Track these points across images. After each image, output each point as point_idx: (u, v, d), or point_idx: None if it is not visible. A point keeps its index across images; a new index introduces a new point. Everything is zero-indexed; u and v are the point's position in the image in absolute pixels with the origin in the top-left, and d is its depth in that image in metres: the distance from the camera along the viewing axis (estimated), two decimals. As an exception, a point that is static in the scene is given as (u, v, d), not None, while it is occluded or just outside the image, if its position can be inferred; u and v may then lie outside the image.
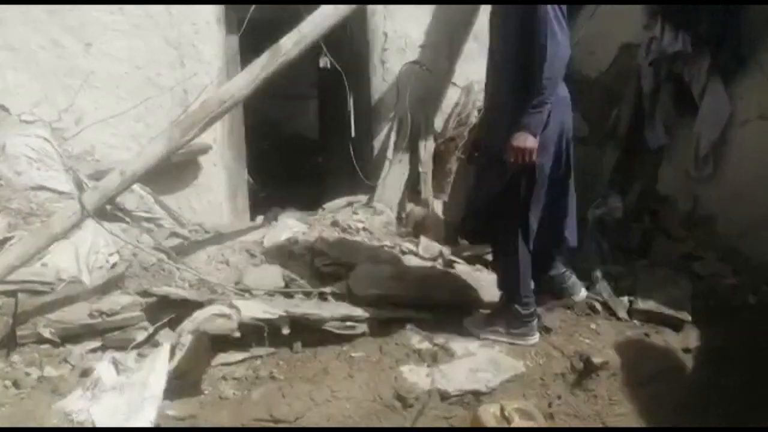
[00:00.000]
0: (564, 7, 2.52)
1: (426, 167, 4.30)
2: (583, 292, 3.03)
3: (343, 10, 2.94)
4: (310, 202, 4.57)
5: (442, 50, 4.52)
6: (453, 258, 3.48)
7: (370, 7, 4.40)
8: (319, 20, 2.88)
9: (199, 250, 3.43)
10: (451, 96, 4.60)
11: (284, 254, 3.35)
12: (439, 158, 4.53)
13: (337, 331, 2.72)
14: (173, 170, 3.93)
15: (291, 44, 2.82)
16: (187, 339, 2.41)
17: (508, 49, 2.62)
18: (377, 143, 4.61)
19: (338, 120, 4.81)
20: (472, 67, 4.40)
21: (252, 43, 3.95)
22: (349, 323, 2.73)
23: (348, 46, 4.62)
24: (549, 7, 2.44)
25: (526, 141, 2.49)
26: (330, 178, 5.42)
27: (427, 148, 4.38)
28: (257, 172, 7.38)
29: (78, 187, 3.70)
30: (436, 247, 3.57)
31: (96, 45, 3.92)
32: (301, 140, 7.74)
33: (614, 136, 4.45)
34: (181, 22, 3.99)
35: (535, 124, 2.51)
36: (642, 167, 4.38)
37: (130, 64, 3.98)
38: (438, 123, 4.62)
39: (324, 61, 4.24)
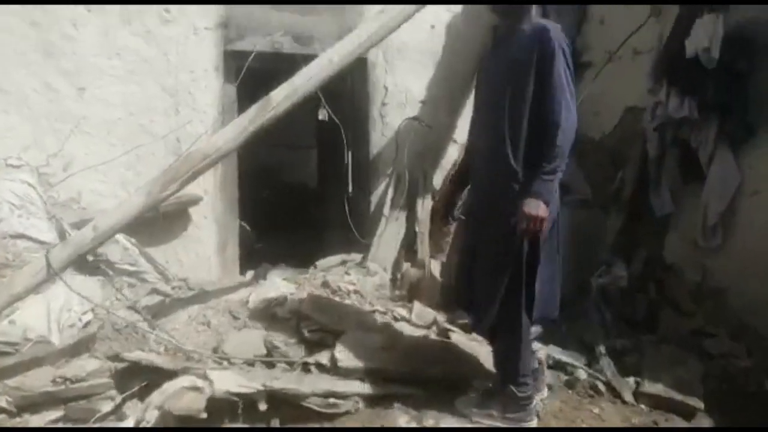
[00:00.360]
0: (571, 64, 2.42)
1: (423, 226, 4.15)
2: (545, 392, 2.82)
3: (337, 62, 2.84)
4: (305, 255, 4.41)
5: (443, 105, 4.44)
6: (448, 326, 3.28)
7: (371, 60, 4.34)
8: (313, 72, 2.78)
9: (180, 310, 3.25)
10: (451, 152, 4.50)
11: (269, 317, 3.16)
12: (437, 217, 4.38)
13: (318, 409, 2.50)
14: (161, 221, 3.80)
15: (281, 97, 2.71)
16: (152, 415, 2.21)
17: (515, 110, 2.45)
18: (375, 198, 4.48)
19: (337, 172, 4.71)
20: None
21: (251, 92, 3.87)
22: (331, 400, 2.52)
23: (348, 98, 4.54)
24: (562, 67, 2.35)
25: (539, 209, 2.35)
26: (327, 230, 5.28)
27: (424, 206, 4.24)
28: (255, 221, 7.32)
29: (60, 236, 3.55)
30: (430, 313, 3.38)
31: (90, 90, 3.83)
32: (301, 190, 7.66)
33: (618, 199, 4.31)
34: (178, 69, 3.92)
35: (548, 191, 2.37)
36: (647, 234, 4.22)
37: (124, 110, 3.89)
38: (437, 180, 4.50)
39: (322, 114, 4.14)
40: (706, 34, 3.48)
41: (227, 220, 4.25)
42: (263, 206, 7.63)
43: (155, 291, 3.39)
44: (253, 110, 2.68)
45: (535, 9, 2.61)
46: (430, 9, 4.39)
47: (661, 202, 4.08)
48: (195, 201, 3.93)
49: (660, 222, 4.20)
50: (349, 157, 4.21)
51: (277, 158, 8.16)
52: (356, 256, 4.19)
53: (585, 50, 4.64)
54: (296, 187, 7.72)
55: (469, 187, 2.81)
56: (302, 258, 4.37)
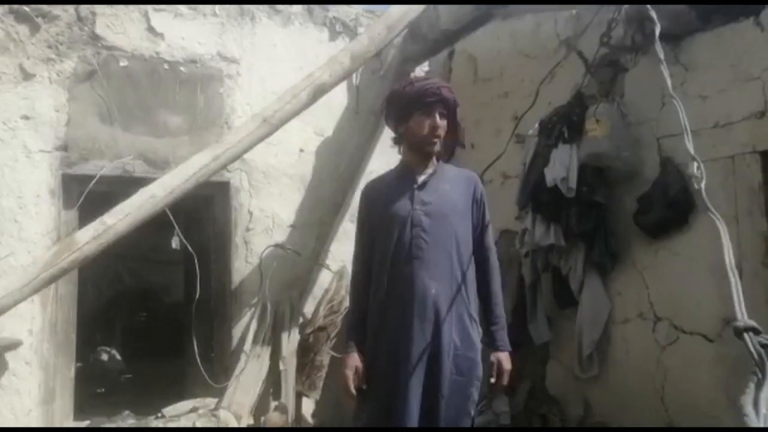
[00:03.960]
0: None
1: (288, 363, 3.73)
2: None
3: (162, 198, 2.53)
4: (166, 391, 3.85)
5: (313, 230, 4.19)
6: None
7: (234, 184, 4.10)
8: (130, 209, 2.44)
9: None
10: (323, 280, 4.20)
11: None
12: (307, 351, 3.99)
13: None
14: (-36, 372, 3.18)
15: (88, 238, 2.33)
16: None
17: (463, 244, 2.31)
18: (237, 332, 4.04)
19: (202, 298, 4.26)
20: (347, 248, 4.06)
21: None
22: None
23: (210, 222, 4.21)
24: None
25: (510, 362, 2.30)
26: (191, 363, 4.72)
27: (291, 341, 3.85)
28: (127, 348, 6.62)
29: None
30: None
31: None
32: (179, 312, 7.07)
33: (497, 327, 4.11)
34: (1, 194, 3.47)
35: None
36: (529, 364, 4.01)
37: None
38: (309, 308, 4.16)
39: (176, 242, 3.76)
40: (562, 165, 3.50)
41: (59, 364, 3.65)
42: (138, 331, 7.00)
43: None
44: (50, 253, 2.28)
45: None
46: (299, 134, 4.28)
47: (539, 330, 3.92)
48: (12, 346, 3.35)
49: (539, 350, 4.02)
50: (198, 290, 3.79)
51: (161, 277, 7.61)
52: (210, 401, 3.67)
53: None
54: (174, 308, 7.12)
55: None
56: (162, 395, 3.82)
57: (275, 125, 2.89)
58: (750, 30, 3.07)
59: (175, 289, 7.05)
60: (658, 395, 3.34)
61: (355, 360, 2.25)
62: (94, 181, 3.61)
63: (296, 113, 2.98)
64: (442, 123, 2.28)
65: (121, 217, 2.41)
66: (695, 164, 1.63)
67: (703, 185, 1.57)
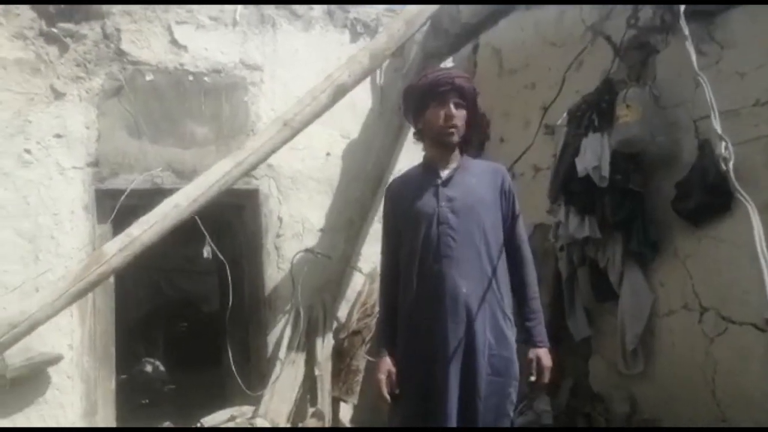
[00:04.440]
0: None
1: (323, 369, 3.71)
2: None
3: (187, 207, 2.54)
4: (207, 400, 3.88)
5: (342, 234, 4.16)
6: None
7: (263, 191, 4.10)
8: (155, 220, 2.46)
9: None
10: (356, 283, 4.16)
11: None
12: (343, 355, 3.97)
13: None
14: (9, 387, 3.25)
15: (115, 250, 2.35)
16: None
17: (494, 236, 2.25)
18: (272, 338, 4.04)
19: (238, 305, 4.29)
20: (378, 249, 4.01)
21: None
22: None
23: (242, 231, 4.23)
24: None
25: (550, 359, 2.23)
26: (229, 372, 4.75)
27: (325, 346, 3.82)
28: (170, 359, 6.73)
29: None
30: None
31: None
32: (218, 320, 7.15)
33: (536, 324, 4.00)
34: (38, 212, 3.55)
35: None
36: (571, 360, 3.89)
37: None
38: (342, 312, 4.13)
39: (207, 251, 3.79)
40: (593, 153, 3.38)
41: (100, 376, 3.71)
42: (180, 341, 7.10)
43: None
44: (79, 267, 2.30)
45: None
46: (324, 137, 4.26)
47: (578, 326, 3.80)
48: (54, 360, 3.42)
49: (582, 346, 3.89)
50: (230, 298, 3.80)
51: (199, 287, 7.71)
52: (248, 410, 3.68)
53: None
54: (213, 317, 7.20)
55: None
56: (203, 405, 3.85)
57: (296, 128, 2.87)
58: (788, 1, 2.91)
59: (212, 298, 7.13)
60: (708, 389, 3.18)
61: (387, 364, 2.20)
62: (125, 195, 3.66)
63: (317, 115, 2.95)
64: (458, 112, 2.21)
65: (147, 228, 2.43)
66: (723, 144, 1.51)
67: (731, 166, 1.46)
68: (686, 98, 3.30)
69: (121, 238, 2.39)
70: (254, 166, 2.83)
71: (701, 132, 3.24)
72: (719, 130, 1.50)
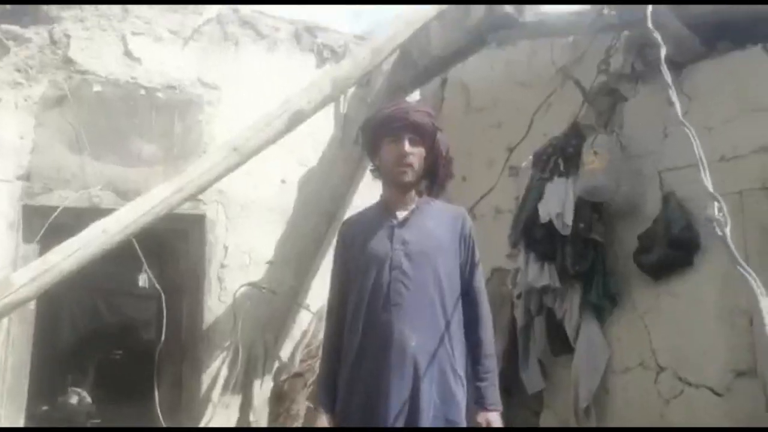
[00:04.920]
0: None
1: (259, 414, 3.44)
2: None
3: (117, 233, 2.29)
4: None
5: (292, 267, 3.93)
6: None
7: (210, 217, 3.86)
8: (75, 247, 2.19)
9: None
10: (303, 321, 3.93)
11: None
12: (282, 398, 3.70)
13: None
14: None
15: (26, 279, 2.08)
16: None
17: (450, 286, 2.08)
18: (208, 377, 3.75)
19: (173, 338, 3.99)
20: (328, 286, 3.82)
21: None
22: None
23: (184, 257, 3.97)
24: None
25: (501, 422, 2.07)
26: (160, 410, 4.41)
27: (263, 389, 3.55)
28: (98, 389, 6.24)
29: None
30: None
31: None
32: (153, 350, 6.74)
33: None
34: (-45, 229, 3.24)
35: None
36: (521, 415, 3.71)
37: None
38: (286, 351, 3.88)
39: (143, 279, 3.51)
40: (557, 199, 3.26)
41: (7, 415, 3.34)
42: (113, 370, 6.63)
43: None
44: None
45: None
46: (280, 164, 4.06)
47: (531, 378, 3.63)
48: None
49: (533, 400, 3.72)
50: (163, 332, 3.52)
51: (142, 312, 7.29)
52: (175, 456, 3.37)
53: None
54: (154, 345, 6.80)
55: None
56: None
57: (246, 155, 2.67)
58: (757, 57, 2.87)
59: (155, 325, 6.76)
60: (662, 454, 3.05)
61: (324, 423, 2.03)
62: (56, 213, 3.37)
63: (270, 142, 2.76)
64: (413, 150, 2.05)
65: (67, 255, 2.16)
66: (716, 205, 1.31)
67: (727, 231, 1.28)
68: (652, 149, 3.24)
69: (35, 266, 2.12)
70: (197, 193, 2.60)
71: (666, 184, 3.17)
72: (710, 188, 1.32)
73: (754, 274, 1.23)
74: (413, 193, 2.13)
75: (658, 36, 1.69)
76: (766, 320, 1.16)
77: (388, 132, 2.06)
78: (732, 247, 1.21)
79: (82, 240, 2.22)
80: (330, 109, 4.33)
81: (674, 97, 1.44)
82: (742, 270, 1.20)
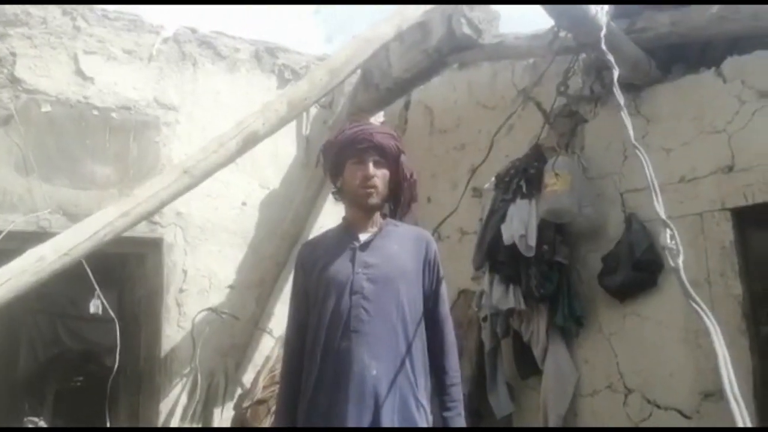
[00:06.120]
0: None
1: (217, 446, 3.30)
2: None
3: (56, 260, 2.17)
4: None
5: (254, 292, 3.82)
6: None
7: (168, 241, 3.73)
8: (9, 275, 2.06)
9: None
10: (265, 346, 3.81)
11: None
12: (245, 426, 3.56)
13: None
14: None
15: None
16: None
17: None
18: (166, 406, 3.60)
19: (130, 366, 3.84)
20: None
21: None
22: None
23: (141, 282, 3.82)
24: None
25: None
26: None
27: (224, 418, 3.42)
28: (58, 417, 6.00)
29: None
30: None
31: None
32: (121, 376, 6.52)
33: (456, 398, 3.74)
34: None
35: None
36: (490, 439, 3.63)
37: None
38: (248, 377, 3.75)
39: (95, 305, 3.36)
40: (520, 221, 3.23)
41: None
42: (73, 398, 6.37)
43: None
44: None
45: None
46: (241, 186, 3.97)
47: (500, 402, 3.55)
48: None
49: (502, 424, 3.64)
50: (117, 360, 3.38)
51: (104, 338, 7.04)
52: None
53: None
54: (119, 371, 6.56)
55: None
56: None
57: (198, 177, 2.57)
58: (712, 81, 2.90)
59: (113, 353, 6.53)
60: (630, 478, 3.00)
61: None
62: (0, 237, 3.21)
63: (223, 165, 2.66)
64: (377, 172, 1.98)
65: (-2, 286, 2.03)
66: (668, 233, 1.22)
67: (680, 262, 1.19)
68: (613, 170, 3.24)
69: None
70: (144, 218, 2.49)
71: (628, 205, 3.17)
72: (663, 214, 1.24)
73: (705, 308, 1.17)
74: (377, 215, 2.06)
75: (611, 58, 1.66)
76: (719, 358, 1.11)
77: (352, 153, 1.99)
78: (686, 282, 1.15)
79: (13, 269, 2.09)
80: (292, 131, 4.27)
81: (627, 120, 1.39)
82: (695, 306, 1.14)
